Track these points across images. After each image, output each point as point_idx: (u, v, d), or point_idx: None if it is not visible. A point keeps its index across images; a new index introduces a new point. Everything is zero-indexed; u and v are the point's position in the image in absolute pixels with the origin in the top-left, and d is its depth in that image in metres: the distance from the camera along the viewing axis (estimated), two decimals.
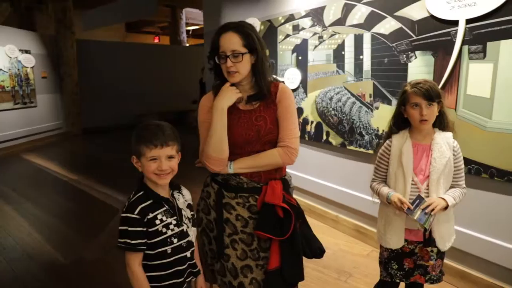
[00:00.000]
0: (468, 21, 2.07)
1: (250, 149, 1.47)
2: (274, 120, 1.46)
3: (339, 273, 2.49)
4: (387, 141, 1.66)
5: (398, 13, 2.43)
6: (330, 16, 2.92)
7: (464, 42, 2.10)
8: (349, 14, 2.76)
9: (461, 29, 2.10)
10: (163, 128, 1.25)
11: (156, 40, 13.30)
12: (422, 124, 1.52)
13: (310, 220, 3.44)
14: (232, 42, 1.38)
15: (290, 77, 3.44)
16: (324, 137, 3.16)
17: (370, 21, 2.62)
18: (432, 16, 2.23)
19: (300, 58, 3.31)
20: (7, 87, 6.55)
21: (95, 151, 6.93)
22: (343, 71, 2.88)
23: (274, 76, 3.70)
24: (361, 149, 2.82)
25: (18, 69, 6.82)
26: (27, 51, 7.06)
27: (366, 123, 2.76)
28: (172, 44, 12.17)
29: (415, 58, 2.37)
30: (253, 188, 1.48)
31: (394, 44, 2.48)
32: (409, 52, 2.39)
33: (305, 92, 3.30)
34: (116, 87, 9.24)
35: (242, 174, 1.48)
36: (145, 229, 1.23)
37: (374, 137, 2.70)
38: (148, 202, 1.26)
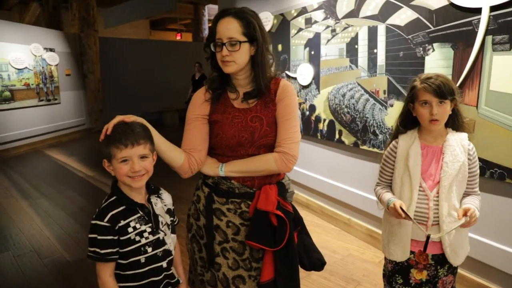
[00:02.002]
0: (493, 9, 1.86)
1: (244, 152, 1.33)
2: (272, 122, 1.32)
3: (346, 281, 2.34)
4: (393, 142, 1.51)
5: (414, 2, 2.23)
6: (343, 7, 2.74)
7: (487, 32, 1.89)
8: (362, 5, 2.58)
9: (484, 17, 1.89)
10: (133, 127, 1.15)
11: (178, 37, 13.37)
12: (432, 124, 1.35)
13: (322, 222, 3.33)
14: (229, 28, 1.25)
15: (302, 73, 3.29)
16: (337, 136, 2.99)
17: (385, 12, 2.43)
18: (451, 4, 2.03)
19: (312, 53, 3.15)
20: (32, 84, 6.73)
21: None
22: (356, 66, 2.71)
23: (287, 72, 3.59)
24: (375, 149, 2.64)
25: (43, 67, 7.00)
26: (51, 49, 7.23)
27: (380, 121, 2.58)
28: (194, 41, 12.20)
29: (432, 51, 2.17)
30: (245, 194, 1.35)
31: (410, 36, 2.29)
32: (426, 45, 2.20)
33: (318, 88, 3.14)
34: (137, 84, 9.36)
35: (234, 178, 1.35)
36: (116, 237, 1.14)
37: (388, 136, 2.52)
38: (120, 208, 1.16)
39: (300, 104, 3.40)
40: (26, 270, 2.59)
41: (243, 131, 1.31)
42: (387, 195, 1.46)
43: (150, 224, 1.20)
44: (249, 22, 1.27)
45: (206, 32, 12.12)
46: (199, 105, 1.38)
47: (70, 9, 8.09)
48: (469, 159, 1.38)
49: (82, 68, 8.19)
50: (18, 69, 6.38)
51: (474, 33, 1.94)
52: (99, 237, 1.13)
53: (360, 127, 2.75)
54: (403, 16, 2.31)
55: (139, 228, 1.17)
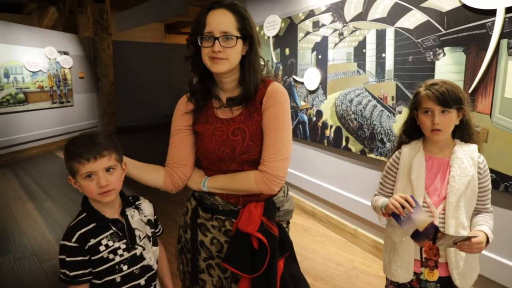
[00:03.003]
0: (508, 10, 1.73)
1: (225, 167, 1.19)
2: (256, 135, 1.15)
3: None
4: (396, 152, 1.40)
5: (425, 4, 2.12)
6: (351, 10, 2.65)
7: (502, 35, 1.77)
8: (371, 8, 2.48)
9: (499, 19, 1.76)
10: (94, 138, 1.06)
11: None
12: (434, 134, 1.25)
13: (327, 232, 3.21)
14: (224, 21, 1.10)
15: (309, 78, 3.19)
16: (344, 143, 2.88)
17: (394, 15, 2.32)
18: (464, 6, 1.91)
19: (320, 57, 3.06)
20: (46, 87, 6.83)
21: (126, 150, 6.99)
22: (364, 71, 2.60)
23: (294, 76, 3.50)
24: (382, 158, 2.53)
25: (57, 70, 7.10)
26: (65, 53, 7.33)
27: (387, 129, 2.46)
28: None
29: (443, 56, 2.05)
30: (229, 211, 1.23)
31: (419, 40, 2.17)
32: (437, 49, 2.08)
33: (325, 94, 3.04)
34: (150, 87, 9.41)
35: (218, 194, 1.23)
36: (87, 257, 1.06)
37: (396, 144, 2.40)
38: (90, 226, 1.08)
39: (307, 109, 3.30)
40: (24, 274, 2.57)
41: (223, 145, 1.17)
42: (383, 199, 1.35)
43: (124, 240, 1.12)
44: (244, 18, 1.14)
45: None
46: (180, 115, 1.26)
47: (85, 13, 8.21)
48: (479, 172, 1.27)
49: (96, 71, 8.29)
50: (32, 72, 6.48)
51: (488, 36, 1.82)
52: (67, 259, 1.05)
53: (368, 134, 2.63)
54: (413, 19, 2.19)
55: (112, 245, 1.09)
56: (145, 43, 9.78)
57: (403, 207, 1.19)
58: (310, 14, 3.09)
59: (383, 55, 2.43)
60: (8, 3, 9.59)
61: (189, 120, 1.25)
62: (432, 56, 2.11)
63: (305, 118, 3.33)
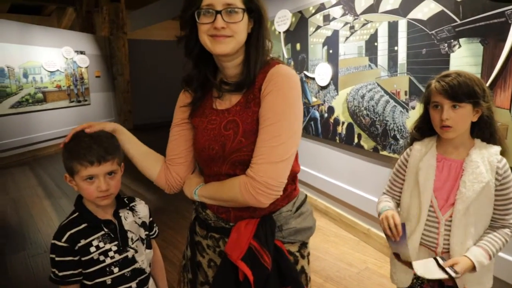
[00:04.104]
0: None
1: (217, 170, 1.00)
2: (251, 130, 0.93)
3: None
4: (408, 150, 1.32)
5: None
6: (362, 2, 2.55)
7: None
8: None
9: None
10: (99, 140, 1.03)
11: None
12: (443, 132, 1.16)
13: (340, 232, 3.14)
14: None
15: (320, 73, 3.11)
16: (356, 140, 2.80)
17: (406, 5, 2.22)
18: None
19: (331, 51, 2.97)
20: (63, 86, 6.96)
21: None
22: (376, 65, 2.51)
23: (305, 72, 3.43)
24: (395, 155, 2.43)
25: (74, 69, 7.23)
26: (82, 52, 7.45)
27: (400, 125, 2.36)
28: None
29: (459, 47, 1.94)
30: (221, 229, 1.04)
31: (433, 32, 2.07)
32: (452, 40, 1.97)
33: (336, 89, 2.96)
34: (166, 85, 9.47)
35: (210, 206, 1.04)
36: (76, 258, 1.04)
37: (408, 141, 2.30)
38: (82, 227, 1.06)
39: (318, 105, 3.23)
40: (38, 271, 2.61)
41: (214, 141, 0.98)
42: (384, 203, 1.27)
43: (116, 242, 1.09)
44: None
45: None
46: (179, 107, 1.11)
47: (101, 13, 8.32)
48: (497, 179, 1.13)
49: (112, 70, 8.40)
50: (50, 71, 6.61)
51: (507, 26, 1.71)
52: (57, 259, 1.04)
53: (380, 131, 2.54)
54: (426, 10, 2.09)
55: (103, 247, 1.07)
56: (161, 41, 9.84)
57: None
58: (321, 7, 3.00)
59: (396, 48, 2.33)
60: (29, 5, 9.84)
61: (187, 112, 1.08)
62: (446, 48, 2.01)
63: (317, 114, 3.26)
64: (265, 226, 0.97)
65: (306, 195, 1.14)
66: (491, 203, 1.15)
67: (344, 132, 2.93)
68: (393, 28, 2.33)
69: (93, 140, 1.03)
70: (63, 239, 1.03)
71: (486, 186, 1.12)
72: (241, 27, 0.92)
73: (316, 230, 3.24)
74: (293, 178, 1.05)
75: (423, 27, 2.13)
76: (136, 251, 1.13)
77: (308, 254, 1.10)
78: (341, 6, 2.76)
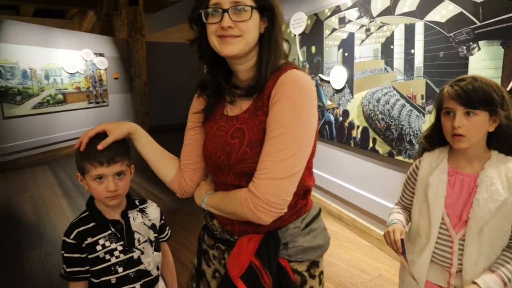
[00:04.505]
0: None
1: (223, 179, 0.95)
2: (257, 140, 0.86)
3: None
4: (417, 161, 1.23)
5: None
6: (378, 4, 2.51)
7: None
8: (399, 1, 2.33)
9: None
10: (111, 144, 1.04)
11: None
12: (455, 141, 1.06)
13: (354, 237, 3.09)
14: None
15: (335, 76, 3.08)
16: (371, 145, 2.75)
17: (424, 7, 2.17)
18: None
19: (346, 54, 2.94)
20: (83, 88, 7.12)
21: None
22: (392, 68, 2.46)
23: (320, 75, 3.39)
24: (411, 161, 2.38)
25: (93, 71, 7.38)
26: (101, 54, 7.61)
27: (416, 129, 2.31)
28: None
29: (478, 50, 1.89)
30: (226, 241, 0.99)
31: (452, 34, 2.01)
32: (471, 43, 1.92)
33: (351, 93, 2.92)
34: (183, 87, 9.55)
35: (216, 215, 1.00)
36: (84, 255, 1.07)
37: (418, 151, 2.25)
38: (90, 225, 1.09)
39: (333, 109, 3.19)
40: (53, 269, 2.66)
41: (220, 149, 0.93)
42: (394, 215, 1.22)
43: (122, 242, 1.11)
44: None
45: None
46: (193, 112, 1.06)
47: (120, 16, 8.48)
48: None
49: (130, 72, 8.54)
50: (70, 73, 6.77)
51: None
52: (65, 255, 1.08)
53: (396, 135, 2.49)
54: (444, 11, 2.04)
55: (109, 246, 1.09)
56: (178, 44, 9.94)
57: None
58: (336, 10, 2.97)
59: (412, 51, 2.28)
60: (52, 9, 10.13)
61: (200, 117, 1.04)
62: (465, 51, 1.95)
63: (332, 118, 3.22)
64: (268, 243, 0.91)
65: (319, 210, 1.05)
66: (509, 222, 1.04)
67: (359, 136, 2.88)
68: (409, 31, 2.28)
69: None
70: (72, 236, 1.07)
71: (503, 204, 1.01)
72: (250, 26, 0.85)
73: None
74: (305, 192, 0.98)
75: (440, 30, 2.07)
76: (142, 253, 1.14)
77: (321, 273, 1.00)
78: (357, 8, 2.73)
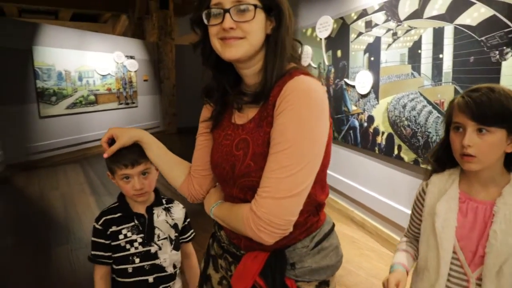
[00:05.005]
0: None
1: (229, 191, 0.90)
2: (261, 153, 0.80)
3: None
4: (424, 184, 1.06)
5: None
6: (406, 8, 2.44)
7: None
8: (427, 4, 2.26)
9: None
10: (134, 145, 1.09)
11: None
12: (464, 162, 0.91)
13: (376, 246, 3.00)
14: None
15: (361, 81, 3.02)
16: (396, 152, 2.67)
17: (454, 10, 2.09)
18: None
19: (372, 59, 2.87)
20: (113, 89, 7.37)
21: (183, 150, 7.31)
22: (419, 73, 2.38)
23: (346, 79, 3.32)
24: None
25: (123, 73, 7.62)
26: (131, 57, 7.84)
27: None
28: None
29: None
30: (233, 254, 0.95)
31: (483, 38, 1.92)
32: (504, 47, 1.82)
33: (377, 98, 2.85)
34: None
35: (223, 227, 0.95)
36: (108, 242, 1.17)
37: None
38: (117, 215, 1.19)
39: (358, 114, 3.13)
40: (78, 265, 2.75)
41: (225, 160, 0.87)
42: (398, 255, 1.08)
43: (142, 235, 1.18)
44: None
45: None
46: (203, 118, 1.02)
47: (151, 20, 8.71)
48: None
49: (159, 74, 8.75)
50: (102, 75, 7.02)
51: None
52: (92, 238, 1.19)
53: (422, 142, 2.40)
54: (476, 14, 1.95)
55: (130, 237, 1.18)
56: None
57: None
58: (363, 13, 2.92)
59: (440, 56, 2.19)
60: (88, 13, 10.55)
61: (209, 124, 0.99)
62: (498, 56, 1.86)
63: (356, 123, 3.16)
64: (274, 263, 0.85)
65: (333, 226, 0.97)
66: None
67: (383, 142, 2.81)
68: (438, 35, 2.20)
69: (125, 147, 1.10)
70: (99, 222, 1.19)
71: None
72: (254, 26, 0.78)
73: (351, 243, 3.13)
74: (317, 207, 0.91)
75: (471, 33, 1.99)
76: (160, 248, 1.20)
77: None
78: (384, 12, 2.66)
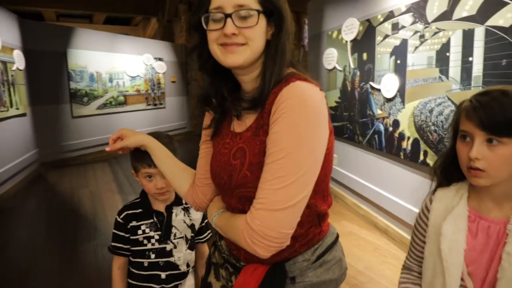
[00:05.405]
0: None
1: (228, 201, 0.88)
2: (257, 163, 0.77)
3: None
4: (427, 200, 0.94)
5: None
6: (434, 9, 2.36)
7: None
8: (457, 5, 2.17)
9: None
10: None
11: None
12: (471, 176, 0.79)
13: (400, 254, 2.92)
14: None
15: (386, 84, 2.94)
16: (421, 157, 2.59)
17: (485, 11, 2.00)
18: None
19: (398, 62, 2.79)
20: (142, 90, 7.56)
21: None
22: (447, 77, 2.29)
23: (371, 82, 3.24)
24: None
25: (152, 75, 7.81)
26: (160, 59, 8.02)
27: None
28: (295, 49, 12.26)
29: None
30: (233, 265, 0.93)
31: None
32: None
33: (403, 102, 2.77)
34: None
35: (224, 237, 0.93)
36: (127, 235, 1.23)
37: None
38: (138, 211, 1.25)
39: (383, 118, 3.05)
40: (104, 262, 2.83)
41: (223, 169, 0.85)
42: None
43: (159, 232, 1.23)
44: None
45: (306, 41, 11.98)
46: (204, 127, 0.99)
47: (179, 22, 8.88)
48: None
49: (186, 76, 8.90)
50: (131, 76, 7.23)
51: None
52: (113, 230, 1.26)
53: None
54: (509, 15, 1.86)
55: (148, 233, 1.23)
56: None
57: None
58: (389, 15, 2.85)
59: (470, 59, 2.10)
60: (120, 17, 10.90)
61: (210, 132, 0.97)
62: None
63: (381, 127, 3.08)
64: (273, 277, 0.82)
65: (336, 237, 0.93)
66: None
67: (409, 148, 2.72)
68: (468, 37, 2.11)
69: None
70: (121, 216, 1.25)
71: None
72: (256, 32, 0.75)
73: (373, 250, 3.06)
74: (318, 219, 0.87)
75: (504, 35, 1.89)
76: (175, 247, 1.24)
77: None
78: (411, 13, 2.59)
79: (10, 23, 4.96)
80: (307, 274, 0.84)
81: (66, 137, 6.10)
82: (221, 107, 0.89)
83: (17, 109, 4.90)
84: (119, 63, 6.95)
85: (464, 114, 0.80)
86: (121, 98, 7.05)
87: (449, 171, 0.89)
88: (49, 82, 5.80)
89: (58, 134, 5.98)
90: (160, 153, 1.04)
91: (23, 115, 5.14)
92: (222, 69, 0.82)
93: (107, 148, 1.07)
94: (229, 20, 0.73)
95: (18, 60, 4.93)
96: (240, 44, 0.75)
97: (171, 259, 1.25)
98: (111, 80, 6.78)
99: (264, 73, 0.79)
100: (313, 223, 0.85)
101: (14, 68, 4.81)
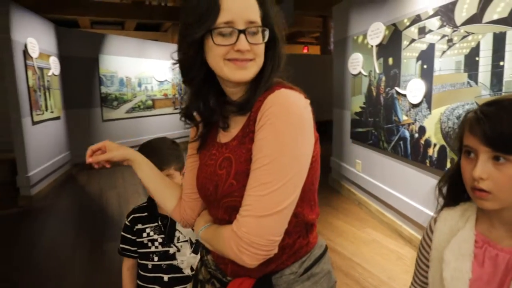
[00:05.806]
0: None
1: (214, 213, 0.86)
2: (243, 172, 0.76)
3: None
4: (432, 221, 0.85)
5: None
6: (463, 12, 2.29)
7: None
8: (487, 7, 2.10)
9: None
10: (160, 152, 1.21)
11: (305, 50, 13.55)
12: (476, 197, 0.69)
13: None
14: (249, 6, 0.74)
15: (412, 90, 2.87)
16: (448, 165, 2.50)
17: None
18: None
19: (425, 67, 2.72)
20: (169, 94, 7.74)
21: None
22: (476, 82, 2.21)
23: (396, 88, 3.16)
24: None
25: (179, 80, 7.97)
26: None
27: None
28: (322, 54, 12.18)
29: None
30: (220, 280, 0.89)
31: None
32: None
33: (429, 108, 2.69)
34: None
35: (211, 251, 0.91)
36: (134, 238, 1.27)
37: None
38: (144, 214, 1.29)
39: (408, 124, 2.97)
40: None
41: (209, 180, 0.83)
42: None
43: (163, 236, 1.26)
44: (264, 0, 0.77)
45: (333, 45, 11.90)
46: (191, 137, 0.95)
47: None
48: None
49: None
50: (159, 81, 7.42)
51: None
52: (121, 232, 1.29)
53: None
54: None
55: (152, 236, 1.26)
56: None
57: None
58: (416, 19, 2.78)
59: (501, 63, 2.02)
60: (151, 23, 11.23)
61: (197, 145, 0.94)
62: None
63: (407, 134, 3.01)
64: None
65: (325, 249, 0.90)
66: None
67: (435, 155, 2.64)
68: (499, 40, 2.03)
69: (154, 152, 1.19)
70: (129, 219, 1.29)
71: None
72: (262, 49, 0.77)
73: (397, 259, 2.99)
74: (306, 229, 0.84)
75: None
76: (178, 250, 1.26)
77: None
78: (438, 17, 2.52)
79: (47, 31, 5.23)
80: (294, 287, 0.82)
81: (96, 140, 6.29)
82: (206, 120, 0.87)
83: (52, 112, 5.14)
84: (148, 68, 7.15)
85: (468, 127, 0.70)
86: (149, 102, 7.25)
87: (455, 190, 0.80)
88: (82, 86, 6.06)
89: (89, 136, 6.21)
90: (145, 166, 0.98)
91: (57, 118, 5.39)
92: (208, 82, 0.82)
93: (88, 161, 0.93)
94: (242, 36, 0.73)
95: (53, 66, 5.19)
96: (249, 59, 0.75)
97: (174, 262, 1.27)
98: (140, 85, 6.99)
99: (254, 85, 0.79)
100: (301, 233, 0.84)
101: (50, 73, 5.06)
